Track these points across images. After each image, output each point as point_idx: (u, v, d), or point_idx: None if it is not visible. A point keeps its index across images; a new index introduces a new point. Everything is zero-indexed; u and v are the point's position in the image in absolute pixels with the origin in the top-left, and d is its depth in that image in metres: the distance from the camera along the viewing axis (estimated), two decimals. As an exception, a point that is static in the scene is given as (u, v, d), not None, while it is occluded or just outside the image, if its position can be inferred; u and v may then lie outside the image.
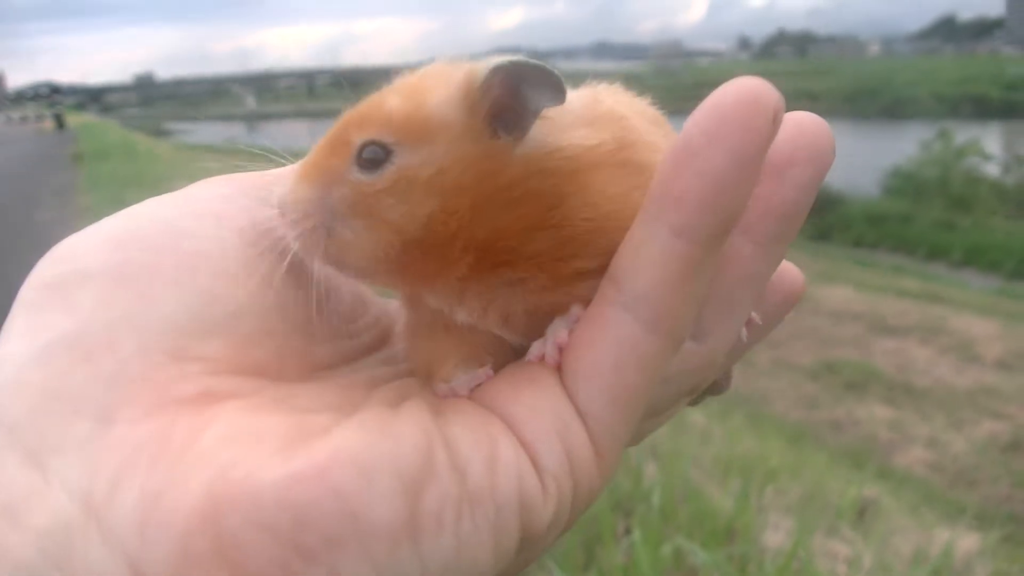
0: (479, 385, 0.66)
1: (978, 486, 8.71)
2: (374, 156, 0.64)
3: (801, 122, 0.68)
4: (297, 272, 0.65)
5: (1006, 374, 12.04)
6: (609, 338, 0.63)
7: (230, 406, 0.56)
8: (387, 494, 0.52)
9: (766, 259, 0.70)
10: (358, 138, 0.65)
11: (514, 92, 0.64)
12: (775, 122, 0.59)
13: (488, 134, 0.65)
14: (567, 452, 0.61)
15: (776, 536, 3.50)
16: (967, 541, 4.35)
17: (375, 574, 0.51)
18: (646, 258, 0.62)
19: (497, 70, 0.64)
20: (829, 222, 26.57)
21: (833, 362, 12.53)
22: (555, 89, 0.63)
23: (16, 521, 0.49)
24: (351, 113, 0.68)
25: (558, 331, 0.66)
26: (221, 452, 0.52)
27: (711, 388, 0.86)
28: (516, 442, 0.60)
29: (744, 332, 0.80)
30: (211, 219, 0.64)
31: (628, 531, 3.11)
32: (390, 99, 0.66)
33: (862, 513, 4.46)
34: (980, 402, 11.04)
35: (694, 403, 0.85)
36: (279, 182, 0.68)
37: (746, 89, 0.58)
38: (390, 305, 0.79)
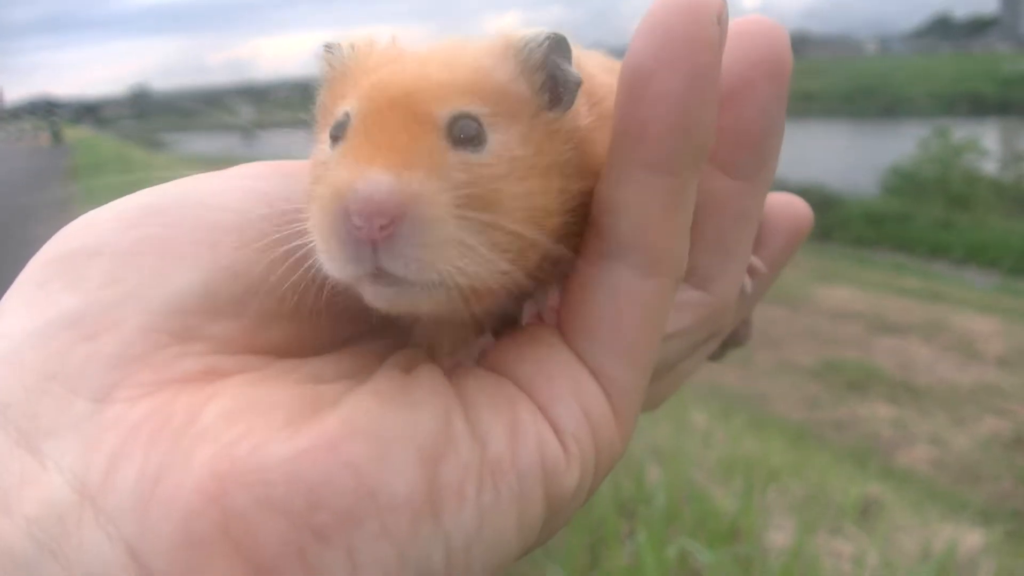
0: (484, 354, 0.64)
1: (981, 483, 8.68)
2: (472, 132, 0.57)
3: (752, 33, 0.65)
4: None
5: (1008, 371, 12.01)
6: (604, 290, 0.61)
7: (234, 380, 0.54)
8: (405, 467, 0.50)
9: (752, 193, 0.69)
10: (441, 110, 0.57)
11: (554, 64, 0.62)
12: (721, 23, 0.56)
13: (543, 106, 0.62)
14: (585, 412, 0.59)
15: (780, 536, 3.50)
16: (971, 538, 4.34)
17: (396, 553, 0.49)
18: (623, 200, 0.59)
19: (546, 41, 0.61)
20: (829, 222, 26.51)
21: (834, 361, 12.50)
22: (572, 60, 0.62)
23: (7, 507, 0.47)
24: (392, 81, 0.58)
25: (548, 291, 0.64)
26: (224, 427, 0.49)
27: (732, 340, 0.86)
28: (533, 406, 0.58)
29: (748, 282, 0.79)
30: (239, 192, 0.61)
31: (632, 533, 3.11)
32: (456, 67, 0.60)
33: (865, 512, 4.45)
34: (982, 399, 11.01)
35: (715, 358, 0.84)
36: (321, 170, 0.58)
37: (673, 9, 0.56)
38: None
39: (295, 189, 0.62)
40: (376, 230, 0.51)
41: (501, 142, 0.58)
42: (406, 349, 0.63)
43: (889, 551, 3.73)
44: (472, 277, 0.54)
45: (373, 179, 0.51)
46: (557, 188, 0.60)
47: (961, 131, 32.16)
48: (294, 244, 0.57)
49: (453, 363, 0.63)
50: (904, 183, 29.96)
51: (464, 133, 0.57)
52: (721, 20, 0.56)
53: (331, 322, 0.61)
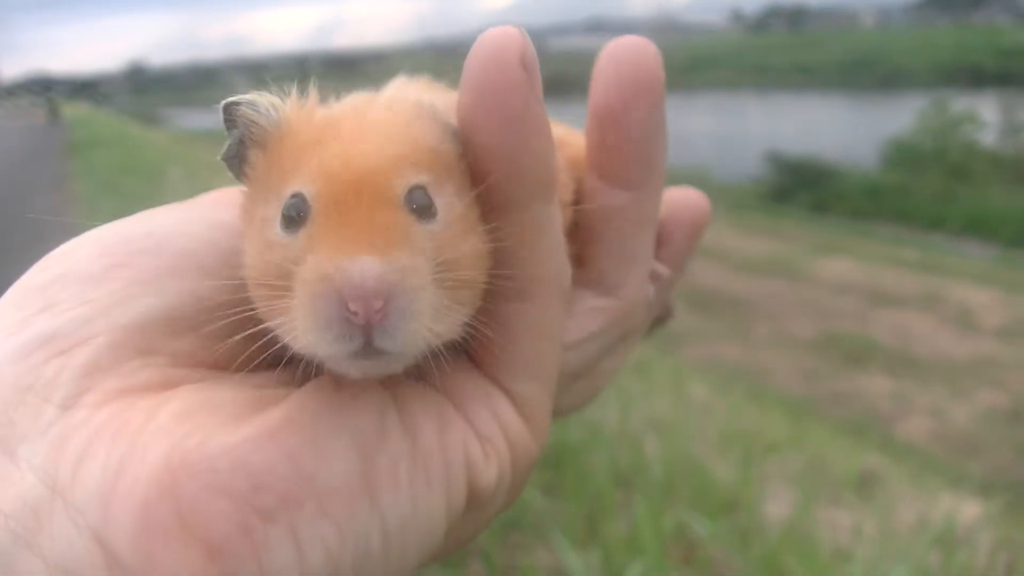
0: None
1: (979, 455, 8.74)
2: (425, 202, 0.60)
3: (620, 57, 0.72)
4: None
5: (1006, 343, 12.09)
6: (493, 318, 0.66)
7: (187, 387, 0.59)
8: (340, 454, 0.55)
9: (645, 201, 0.76)
10: (398, 185, 0.59)
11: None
12: (526, 65, 0.61)
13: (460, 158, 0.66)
14: (499, 423, 0.66)
15: (778, 507, 3.50)
16: (970, 509, 4.36)
17: (336, 532, 0.54)
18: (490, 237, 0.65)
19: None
20: (827, 195, 26.59)
21: (833, 334, 12.56)
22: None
23: None
24: (348, 161, 0.59)
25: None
26: (177, 425, 0.54)
27: (656, 320, 0.93)
28: (461, 416, 0.64)
29: (650, 289, 0.84)
30: (202, 222, 0.67)
31: (630, 503, 3.11)
32: (399, 137, 0.62)
33: (864, 483, 4.47)
34: (981, 371, 11.08)
35: (642, 336, 0.90)
36: (317, 263, 0.56)
37: (486, 51, 0.61)
38: None
39: None
40: (372, 314, 0.53)
41: (446, 205, 0.61)
42: None
43: (887, 522, 3.74)
44: (444, 335, 0.58)
45: (365, 266, 0.53)
46: (483, 232, 0.65)
47: (960, 103, 32.19)
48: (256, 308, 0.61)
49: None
50: (903, 155, 30.02)
51: (417, 203, 0.60)
52: (526, 62, 0.61)
53: (280, 345, 0.65)
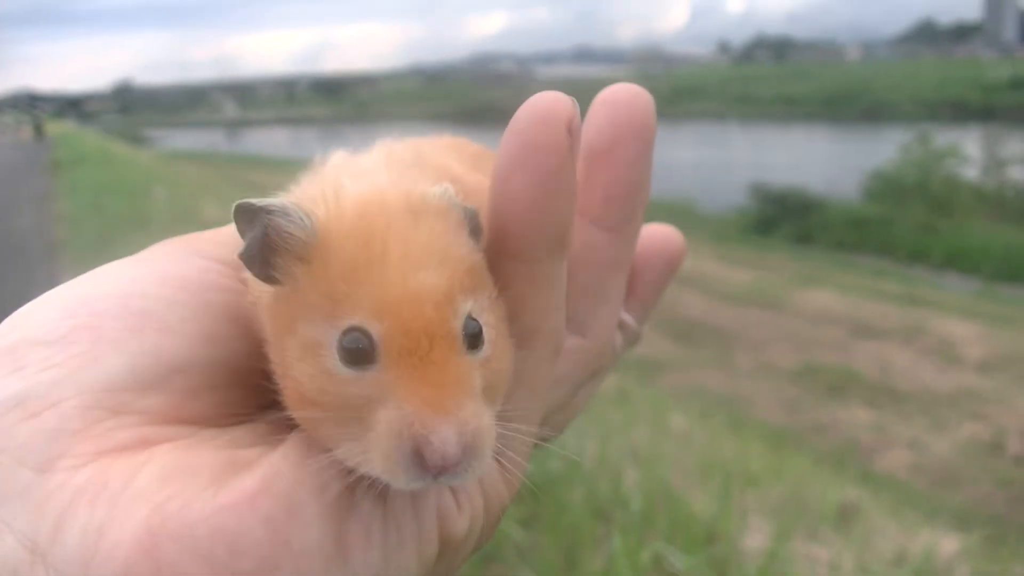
0: None
1: (959, 487, 8.75)
2: (475, 331, 0.63)
3: (615, 100, 0.74)
4: (239, 325, 0.68)
5: (987, 376, 12.12)
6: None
7: (164, 447, 0.59)
8: (314, 520, 0.56)
9: (622, 243, 0.77)
10: (457, 320, 0.61)
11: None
12: (571, 131, 0.64)
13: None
14: None
15: (756, 539, 3.50)
16: (948, 542, 4.36)
17: None
18: (498, 286, 0.67)
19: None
20: (810, 226, 26.72)
21: (814, 365, 12.58)
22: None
23: None
24: (410, 299, 0.60)
25: None
26: (156, 489, 0.55)
27: (625, 344, 0.93)
28: None
29: (619, 339, 0.87)
30: (159, 278, 0.67)
31: (608, 536, 3.10)
32: (447, 259, 0.63)
33: (843, 516, 4.47)
34: (961, 404, 11.10)
35: None
36: (461, 412, 0.60)
37: (539, 108, 0.64)
38: None
39: (205, 265, 0.69)
40: (448, 470, 0.57)
41: (487, 323, 0.64)
42: None
43: (866, 556, 3.74)
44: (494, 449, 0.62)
45: (448, 438, 0.57)
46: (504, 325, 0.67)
47: (943, 137, 32.48)
48: (213, 321, 0.66)
49: None
50: (886, 188, 30.23)
51: (469, 332, 0.62)
52: (572, 128, 0.64)
53: (246, 393, 0.68)
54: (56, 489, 0.54)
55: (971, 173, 31.37)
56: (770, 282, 18.28)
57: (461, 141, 0.89)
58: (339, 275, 0.61)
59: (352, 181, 0.67)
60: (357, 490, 0.59)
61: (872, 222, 26.11)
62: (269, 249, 0.63)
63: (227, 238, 0.72)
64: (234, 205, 0.63)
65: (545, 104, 0.64)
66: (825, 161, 41.28)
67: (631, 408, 6.24)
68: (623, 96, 0.74)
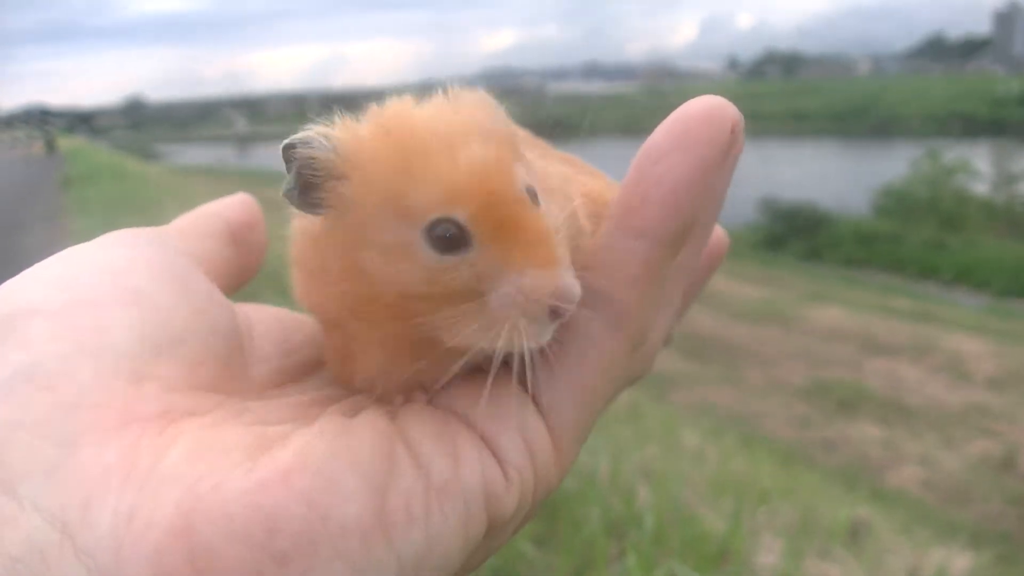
0: (436, 392, 0.69)
1: (971, 505, 8.71)
2: (533, 191, 0.65)
3: (684, 109, 0.70)
4: (224, 305, 0.69)
5: (997, 392, 12.06)
6: (572, 334, 0.67)
7: (192, 423, 0.58)
8: (353, 494, 0.54)
9: (693, 256, 0.76)
10: (521, 186, 0.64)
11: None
12: (733, 134, 0.65)
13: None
14: (527, 445, 0.65)
15: (769, 558, 3.49)
16: (960, 561, 4.35)
17: (350, 570, 0.53)
18: (609, 258, 0.67)
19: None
20: (819, 242, 26.63)
21: (825, 382, 12.54)
22: None
23: None
24: (486, 177, 0.63)
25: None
26: (188, 468, 0.53)
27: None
28: (476, 438, 0.63)
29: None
30: (138, 262, 0.67)
31: (621, 555, 3.10)
32: (494, 136, 0.65)
33: (855, 533, 4.46)
34: (972, 420, 11.05)
35: None
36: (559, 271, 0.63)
37: (709, 104, 0.65)
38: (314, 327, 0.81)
39: (178, 254, 0.71)
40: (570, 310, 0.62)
41: (534, 184, 0.66)
42: (348, 399, 0.69)
43: (877, 574, 3.73)
44: None
45: (572, 283, 0.62)
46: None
47: (953, 152, 32.35)
48: (200, 299, 0.67)
49: (402, 401, 0.68)
50: (895, 203, 30.12)
51: (530, 194, 0.64)
52: (735, 131, 0.65)
53: (245, 363, 0.69)
54: (83, 466, 0.53)
55: (981, 188, 31.26)
56: (780, 298, 18.24)
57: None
58: (393, 174, 0.62)
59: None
60: (396, 459, 0.58)
61: (882, 238, 26.04)
62: (308, 183, 0.64)
63: (185, 227, 0.75)
64: (281, 145, 0.65)
65: (716, 102, 0.65)
66: (835, 177, 41.15)
67: (642, 425, 6.23)
68: (697, 105, 0.69)
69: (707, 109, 0.65)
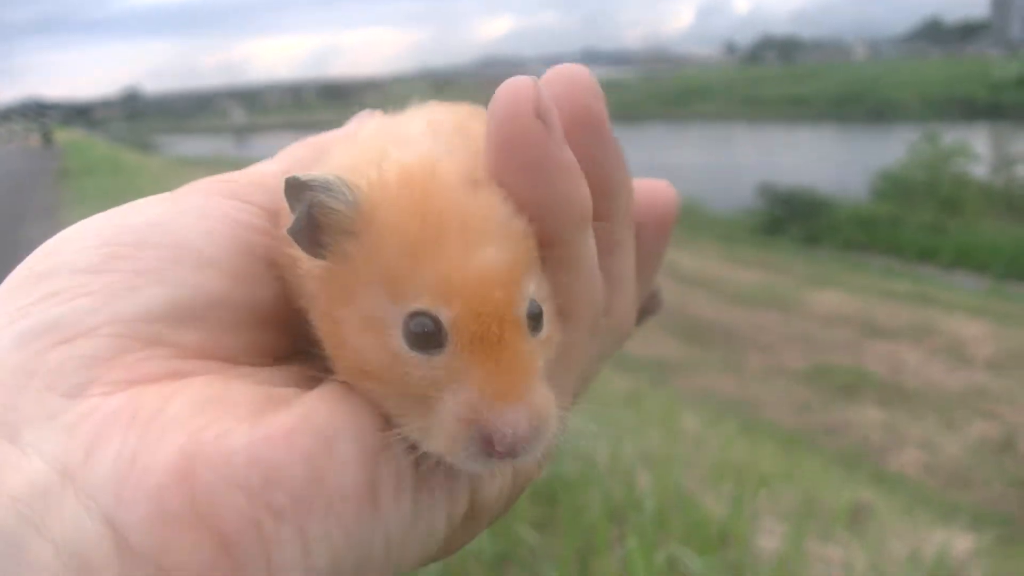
0: None
1: (972, 487, 8.73)
2: (536, 311, 0.62)
3: (560, 80, 0.69)
4: (275, 268, 0.67)
5: (997, 374, 12.07)
6: None
7: (198, 379, 0.59)
8: (349, 460, 0.56)
9: (615, 227, 0.76)
10: (522, 305, 0.61)
11: None
12: (541, 115, 0.62)
13: None
14: None
15: (770, 541, 3.50)
16: (961, 543, 4.36)
17: (342, 534, 0.55)
18: None
19: None
20: (818, 226, 26.62)
21: (825, 366, 12.55)
22: None
23: None
24: (478, 282, 0.59)
25: None
26: (191, 417, 0.54)
27: (645, 312, 0.94)
28: None
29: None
30: (195, 214, 0.66)
31: (622, 539, 3.11)
32: (510, 239, 0.62)
33: (856, 516, 4.46)
34: (972, 403, 11.06)
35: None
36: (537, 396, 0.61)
37: (500, 106, 0.62)
38: None
39: (243, 207, 0.68)
40: (514, 455, 0.58)
41: (543, 301, 0.63)
42: None
43: (879, 556, 3.74)
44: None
45: (519, 422, 0.57)
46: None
47: (951, 135, 32.30)
48: (247, 261, 0.65)
49: None
50: (894, 187, 30.09)
51: (531, 314, 0.61)
52: (540, 111, 0.62)
53: (279, 337, 0.68)
54: (87, 414, 0.54)
55: (979, 172, 31.21)
56: (779, 283, 18.24)
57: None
58: (396, 251, 0.60)
59: (397, 149, 0.66)
60: (391, 435, 0.59)
61: (880, 222, 26.02)
62: (316, 225, 0.62)
63: (261, 179, 0.72)
64: (283, 180, 0.62)
65: (507, 97, 0.62)
66: (833, 161, 41.12)
67: (643, 410, 6.24)
68: (560, 86, 0.69)
69: (504, 112, 0.62)
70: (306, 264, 0.64)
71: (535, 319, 0.62)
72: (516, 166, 0.63)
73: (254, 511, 0.52)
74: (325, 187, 0.61)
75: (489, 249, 0.60)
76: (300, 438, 0.55)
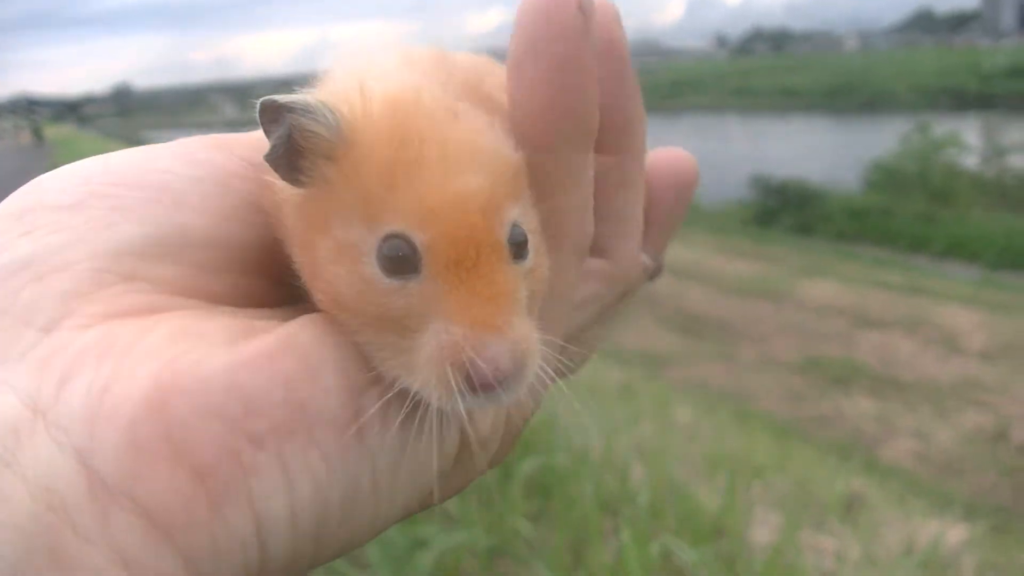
0: None
1: (964, 477, 8.74)
2: (520, 238, 0.61)
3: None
4: (259, 214, 0.65)
5: (990, 364, 12.09)
6: None
7: (176, 312, 0.58)
8: (332, 387, 0.55)
9: (627, 163, 0.74)
10: (504, 229, 0.59)
11: None
12: (584, 11, 0.61)
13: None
14: None
15: (763, 532, 3.51)
16: (954, 532, 4.36)
17: (325, 464, 0.54)
18: None
19: None
20: (811, 217, 26.67)
21: (818, 356, 12.57)
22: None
23: None
24: (456, 205, 0.57)
25: None
26: (167, 346, 0.53)
27: (651, 275, 0.91)
28: None
29: (646, 259, 0.84)
30: (184, 159, 0.65)
31: (616, 531, 3.11)
32: (492, 161, 0.60)
33: (849, 507, 4.47)
34: (964, 393, 11.08)
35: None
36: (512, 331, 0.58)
37: None
38: None
39: (232, 157, 0.66)
40: (496, 388, 0.55)
41: (530, 231, 0.61)
42: None
43: (873, 546, 3.74)
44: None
45: (499, 359, 0.55)
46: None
47: (942, 126, 32.39)
48: (234, 206, 0.63)
49: None
50: (886, 178, 30.16)
51: (515, 241, 0.59)
52: (584, 8, 0.61)
53: (260, 282, 0.66)
54: (61, 347, 0.53)
55: (971, 162, 31.31)
56: (772, 274, 18.27)
57: (487, 59, 0.83)
58: (375, 176, 0.58)
59: (377, 81, 0.63)
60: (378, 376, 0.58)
61: (872, 212, 26.07)
62: (295, 149, 0.60)
63: (254, 141, 0.70)
64: (258, 102, 0.59)
65: None
66: (825, 152, 41.18)
67: (636, 402, 6.25)
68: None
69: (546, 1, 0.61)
70: (283, 192, 0.62)
71: (518, 247, 0.60)
72: (542, 54, 0.61)
73: (232, 439, 0.51)
74: (305, 109, 0.59)
75: (468, 175, 0.58)
76: (281, 361, 0.53)
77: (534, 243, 0.61)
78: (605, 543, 3.05)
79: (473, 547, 3.00)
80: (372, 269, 0.57)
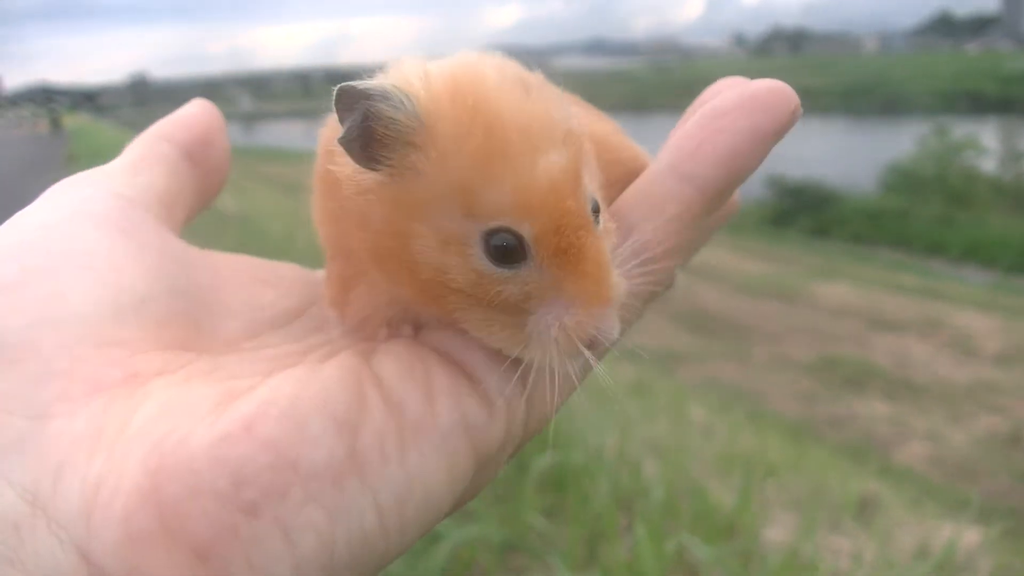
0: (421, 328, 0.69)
1: (978, 480, 8.71)
2: (596, 207, 0.64)
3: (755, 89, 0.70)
4: (185, 259, 0.68)
5: (1005, 368, 12.05)
6: None
7: (160, 383, 0.57)
8: (321, 436, 0.54)
9: (708, 203, 0.74)
10: (589, 207, 0.62)
11: None
12: (793, 114, 0.67)
13: None
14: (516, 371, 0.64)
15: (778, 532, 3.50)
16: (969, 536, 4.34)
17: (325, 515, 0.53)
18: (650, 194, 0.68)
19: None
20: (827, 219, 26.64)
21: (832, 358, 12.53)
22: None
23: None
24: (556, 193, 0.59)
25: None
26: (153, 427, 0.53)
27: None
28: (453, 371, 0.63)
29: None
30: (87, 221, 0.65)
31: (631, 527, 3.10)
32: (566, 150, 0.61)
33: (863, 508, 4.46)
34: (979, 396, 11.05)
35: None
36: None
37: (776, 82, 0.67)
38: (292, 274, 0.80)
39: (127, 206, 0.68)
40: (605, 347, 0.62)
41: (594, 190, 0.64)
42: (326, 347, 0.68)
43: (887, 548, 3.73)
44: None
45: (611, 328, 0.61)
46: None
47: (961, 129, 32.31)
48: (156, 257, 0.65)
49: (386, 336, 0.68)
50: (903, 181, 30.11)
51: (594, 210, 0.62)
52: (795, 113, 0.67)
53: (214, 320, 0.68)
54: (54, 438, 0.53)
55: (989, 165, 31.24)
56: (787, 274, 18.24)
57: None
58: (467, 168, 0.58)
59: (442, 65, 0.64)
60: (365, 398, 0.57)
61: (889, 215, 26.03)
62: (370, 135, 0.60)
63: (134, 159, 0.76)
64: (336, 89, 0.59)
65: (784, 85, 0.67)
66: (842, 154, 41.12)
67: (649, 400, 6.24)
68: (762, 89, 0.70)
69: (774, 84, 0.67)
70: (355, 179, 0.62)
71: (596, 214, 0.62)
72: (746, 108, 0.66)
73: (225, 514, 0.50)
74: (384, 96, 0.59)
75: (552, 154, 0.59)
76: (262, 426, 0.53)
77: (600, 200, 0.64)
78: (620, 539, 3.05)
79: (487, 541, 2.99)
80: (481, 260, 0.59)
